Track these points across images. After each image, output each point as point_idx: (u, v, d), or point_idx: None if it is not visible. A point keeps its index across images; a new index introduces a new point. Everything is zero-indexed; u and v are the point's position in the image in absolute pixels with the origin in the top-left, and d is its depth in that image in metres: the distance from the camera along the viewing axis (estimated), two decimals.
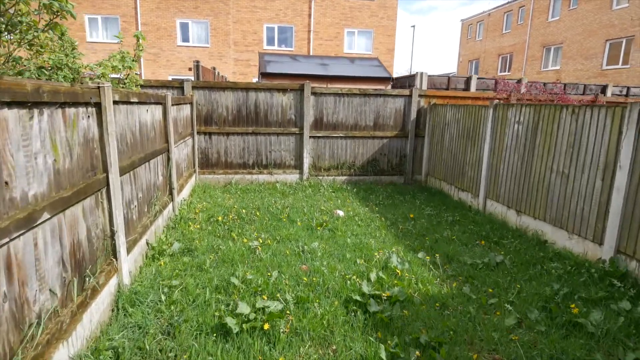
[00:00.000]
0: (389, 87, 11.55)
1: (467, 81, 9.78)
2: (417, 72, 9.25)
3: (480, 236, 5.71)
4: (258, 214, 6.20)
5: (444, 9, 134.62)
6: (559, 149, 5.37)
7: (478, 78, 9.78)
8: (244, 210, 6.34)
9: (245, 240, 5.01)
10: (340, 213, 6.44)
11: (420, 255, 4.83)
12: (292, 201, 7.22)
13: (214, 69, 13.62)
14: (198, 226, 5.52)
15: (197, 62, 10.24)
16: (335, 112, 8.88)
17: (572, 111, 5.15)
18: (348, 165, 9.18)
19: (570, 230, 5.20)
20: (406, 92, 9.13)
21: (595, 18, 27.24)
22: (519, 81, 10.03)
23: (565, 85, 9.98)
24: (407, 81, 9.96)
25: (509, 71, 35.96)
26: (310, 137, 8.82)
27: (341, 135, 8.96)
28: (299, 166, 8.94)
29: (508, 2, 36.05)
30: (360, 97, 8.93)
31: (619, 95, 10.71)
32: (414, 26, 42.05)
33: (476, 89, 9.81)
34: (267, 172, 8.77)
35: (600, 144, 4.75)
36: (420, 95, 9.19)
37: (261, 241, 5.04)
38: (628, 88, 11.18)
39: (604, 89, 10.43)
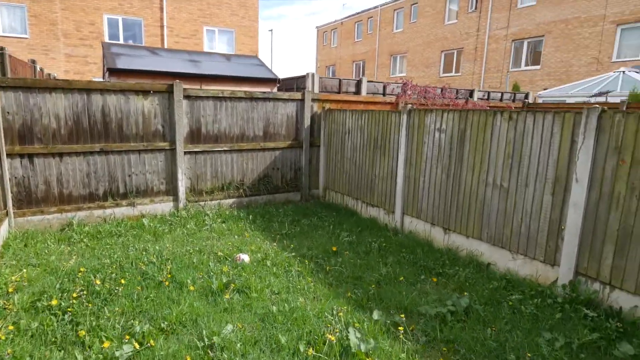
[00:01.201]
0: (275, 89, 10.18)
1: (358, 84, 9.08)
2: (307, 73, 8.11)
3: (419, 267, 4.79)
4: (123, 280, 4.06)
5: (293, 17, 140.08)
6: (494, 159, 4.80)
7: (368, 81, 9.19)
8: (97, 276, 4.10)
9: (105, 344, 2.95)
10: (245, 258, 4.77)
11: (376, 315, 3.56)
12: (171, 246, 5.19)
13: (34, 62, 10.07)
14: (12, 327, 3.16)
15: (2, 49, 7.07)
16: (216, 121, 7.05)
17: (509, 117, 4.60)
18: (236, 185, 7.45)
19: (514, 250, 4.66)
20: (298, 95, 7.87)
21: (432, 31, 30.86)
22: (404, 85, 9.84)
23: (442, 89, 10.21)
24: (294, 83, 8.79)
25: (362, 76, 38.45)
26: (185, 152, 6.80)
27: (225, 148, 7.19)
28: (172, 191, 6.83)
29: (358, 13, 38.50)
30: (247, 101, 7.30)
31: (481, 99, 11.56)
32: (271, 30, 41.64)
33: (367, 93, 9.22)
34: (128, 204, 6.41)
35: (547, 154, 4.25)
36: (313, 100, 8.05)
37: (137, 340, 3.05)
38: (488, 93, 12.25)
39: (471, 93, 11.11)
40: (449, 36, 29.37)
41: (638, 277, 3.60)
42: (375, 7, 35.93)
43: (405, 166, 6.13)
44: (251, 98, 7.33)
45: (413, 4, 32.24)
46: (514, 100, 12.90)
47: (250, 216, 6.68)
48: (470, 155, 5.10)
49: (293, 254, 5.03)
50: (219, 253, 4.90)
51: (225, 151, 7.22)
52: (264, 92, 7.50)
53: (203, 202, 7.07)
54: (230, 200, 7.37)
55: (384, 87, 9.56)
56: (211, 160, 7.13)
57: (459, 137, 5.23)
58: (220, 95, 7.00)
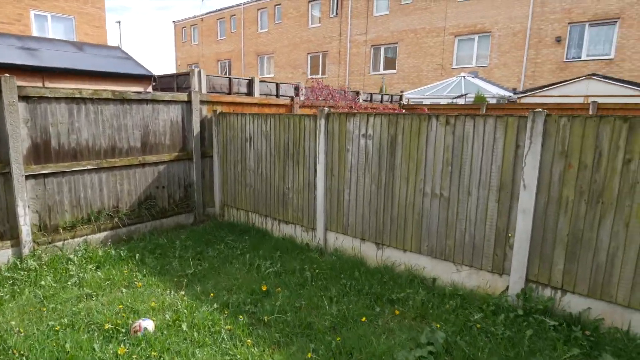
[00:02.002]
0: (150, 89, 8.30)
1: (250, 84, 8.04)
2: (192, 69, 6.72)
3: (368, 296, 4.15)
4: None
5: (139, 11, 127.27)
6: (432, 167, 4.46)
7: (260, 81, 8.22)
8: None
9: None
10: (148, 325, 3.39)
11: None
12: (19, 323, 3.43)
13: None
14: None
15: None
16: (73, 130, 5.20)
17: (446, 122, 4.30)
18: (108, 213, 5.69)
19: (459, 262, 4.40)
20: (183, 96, 6.46)
21: (297, 33, 31.17)
22: (297, 86, 9.18)
23: (345, 91, 9.91)
24: (173, 82, 7.24)
25: (254, 76, 36.81)
26: (28, 177, 4.81)
27: (90, 167, 5.38)
28: (9, 233, 4.76)
29: (220, 10, 36.59)
30: (117, 104, 5.60)
31: (365, 100, 11.72)
32: (119, 22, 36.52)
33: (260, 94, 8.25)
34: None
35: (490, 160, 4.06)
36: (202, 102, 6.73)
37: None
38: (371, 95, 12.51)
39: (357, 94, 11.13)
40: (314, 39, 30.08)
41: (590, 279, 3.62)
42: (238, 5, 34.64)
43: (326, 177, 5.44)
44: (123, 100, 5.65)
45: (277, 5, 32.07)
46: (391, 102, 13.53)
47: (137, 254, 5.10)
48: (403, 164, 4.68)
49: (214, 305, 3.84)
50: (105, 324, 3.40)
51: (89, 171, 5.41)
52: (139, 93, 5.89)
53: (61, 243, 5.15)
54: (102, 235, 5.58)
55: (277, 88, 8.74)
56: (70, 184, 5.24)
57: (389, 143, 4.77)
58: (78, 96, 5.18)
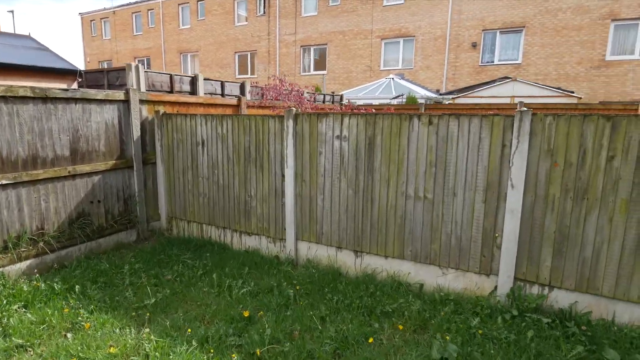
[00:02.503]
0: (75, 85, 6.99)
1: (193, 82, 7.25)
2: (129, 64, 5.80)
3: (360, 310, 3.84)
4: None
5: (32, 1, 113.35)
6: (415, 169, 4.30)
7: (205, 79, 7.46)
8: None
9: None
10: None
11: None
12: None
13: None
14: None
15: None
16: None
17: (429, 122, 4.16)
18: (31, 237, 4.65)
19: (445, 265, 4.30)
20: (120, 95, 5.57)
21: (223, 31, 29.90)
22: (243, 85, 8.54)
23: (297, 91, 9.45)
24: (103, 78, 6.16)
25: (197, 73, 34.20)
26: None
27: (5, 182, 4.34)
28: None
29: (136, 3, 33.74)
30: (38, 103, 4.60)
31: (308, 100, 11.43)
32: (12, 11, 31.87)
33: (204, 93, 7.48)
34: None
35: (476, 160, 3.99)
36: (142, 101, 5.88)
37: None
38: (314, 95, 12.23)
39: (301, 95, 10.78)
40: (241, 37, 29.11)
41: (577, 274, 3.71)
42: None
43: (295, 183, 5.03)
44: (45, 99, 4.66)
45: (199, 0, 30.44)
46: (333, 102, 13.42)
47: (75, 285, 4.20)
48: (383, 166, 4.46)
49: (192, 342, 3.23)
50: None
51: (4, 186, 4.36)
52: (66, 90, 4.92)
53: None
54: (24, 265, 4.54)
55: (222, 87, 8.04)
56: None
57: (366, 145, 4.52)
58: None
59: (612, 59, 18.38)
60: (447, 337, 3.27)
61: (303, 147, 4.92)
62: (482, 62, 20.86)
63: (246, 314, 3.66)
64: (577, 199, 3.62)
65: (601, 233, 3.56)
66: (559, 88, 17.95)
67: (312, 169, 4.91)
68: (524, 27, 19.70)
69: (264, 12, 28.10)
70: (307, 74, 27.22)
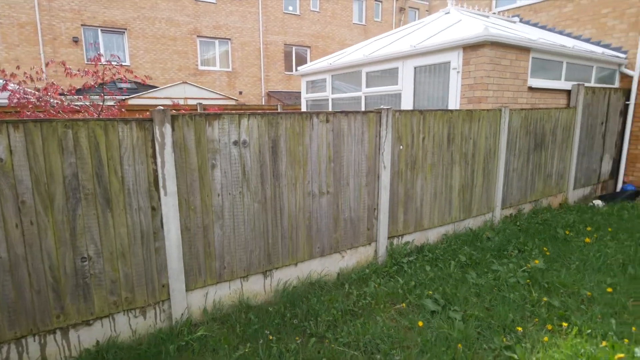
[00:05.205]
0: None
1: None
2: None
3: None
4: None
5: None
6: (317, 167, 4.37)
7: None
8: None
9: None
10: None
11: None
12: None
13: None
14: None
15: None
16: None
17: (326, 119, 4.36)
18: None
19: (343, 249, 4.79)
20: None
21: None
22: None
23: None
24: None
25: None
26: None
27: None
28: None
29: None
30: None
31: None
32: None
33: None
34: None
35: (361, 151, 4.69)
36: None
37: None
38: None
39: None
40: None
41: (415, 220, 5.39)
42: None
43: (181, 213, 3.59)
44: None
45: None
46: None
47: None
48: (289, 169, 4.18)
49: None
50: None
51: None
52: None
53: None
54: None
55: None
56: None
57: (270, 149, 4.03)
58: None
59: (203, 69, 22.14)
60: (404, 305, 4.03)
61: (188, 162, 3.58)
62: (87, 60, 18.86)
63: None
64: (413, 169, 5.23)
65: (422, 188, 5.40)
66: (221, 92, 19.80)
67: (203, 189, 3.70)
68: (125, 29, 19.57)
69: None
70: None
